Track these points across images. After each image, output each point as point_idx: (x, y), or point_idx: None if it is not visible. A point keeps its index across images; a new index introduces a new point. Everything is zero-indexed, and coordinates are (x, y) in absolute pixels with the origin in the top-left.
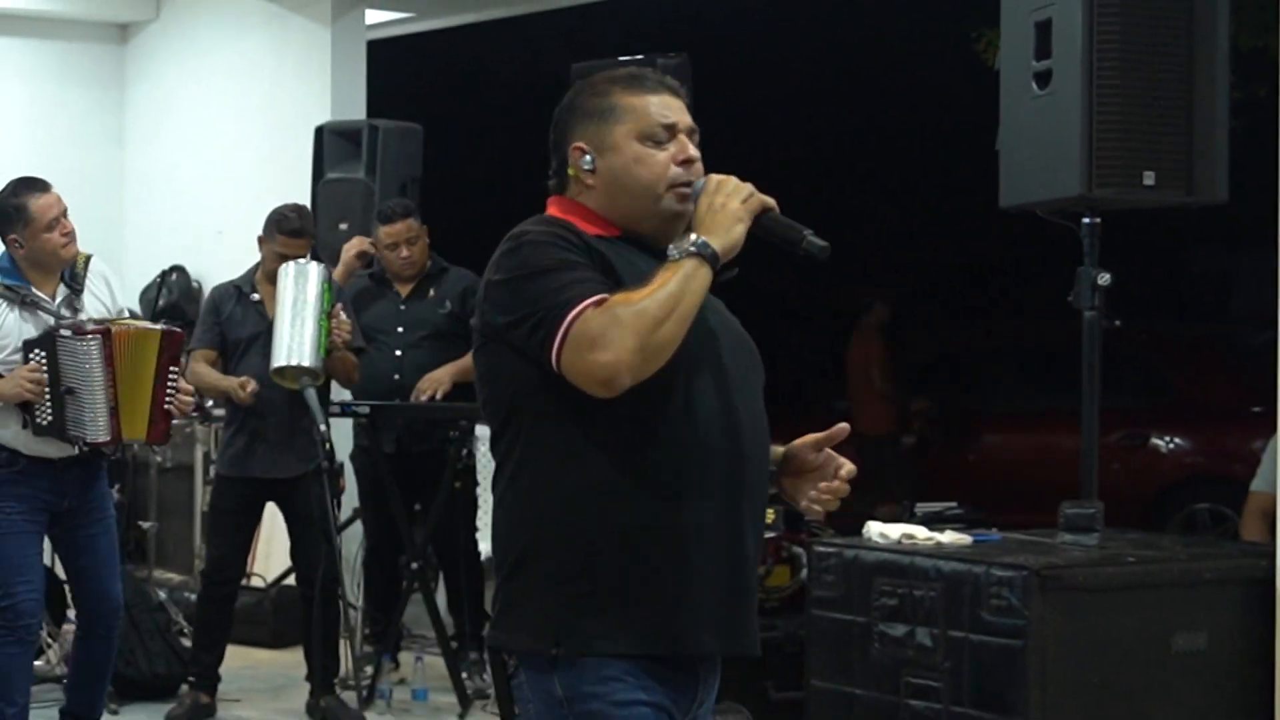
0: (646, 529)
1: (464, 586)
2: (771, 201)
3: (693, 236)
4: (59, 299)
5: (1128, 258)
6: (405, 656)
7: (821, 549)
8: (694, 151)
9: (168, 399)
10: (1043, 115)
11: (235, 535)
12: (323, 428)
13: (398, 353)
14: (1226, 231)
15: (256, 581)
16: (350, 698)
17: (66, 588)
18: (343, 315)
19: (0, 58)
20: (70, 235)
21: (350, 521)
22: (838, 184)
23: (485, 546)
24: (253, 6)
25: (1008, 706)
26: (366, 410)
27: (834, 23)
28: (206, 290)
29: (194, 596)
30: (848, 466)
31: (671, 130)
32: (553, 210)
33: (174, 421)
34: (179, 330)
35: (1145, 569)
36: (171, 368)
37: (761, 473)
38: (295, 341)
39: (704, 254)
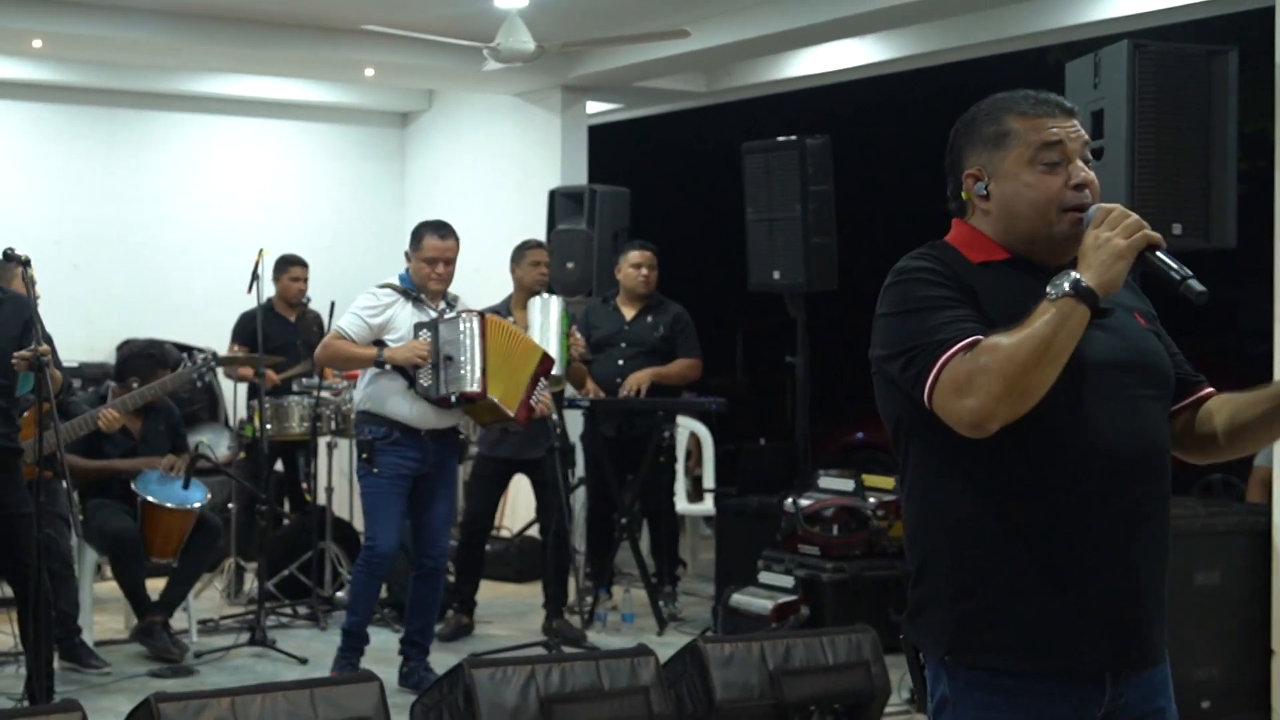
0: (1025, 550)
1: (663, 536)
2: (1157, 238)
3: (1072, 275)
4: (440, 308)
5: (1159, 288)
6: (616, 590)
7: None
8: (1085, 175)
9: (534, 399)
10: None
11: (487, 498)
12: (555, 417)
13: (620, 362)
14: (1234, 269)
15: (505, 533)
16: (575, 620)
17: (360, 536)
18: (578, 335)
19: (312, 139)
20: (439, 278)
21: (575, 487)
22: (937, 233)
23: (681, 506)
24: (502, 100)
25: None
26: (587, 404)
27: (940, 108)
28: None
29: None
30: None
31: (1064, 153)
32: (950, 234)
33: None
34: (552, 359)
35: (1173, 523)
36: (542, 379)
37: (1153, 488)
38: None
39: (1080, 293)
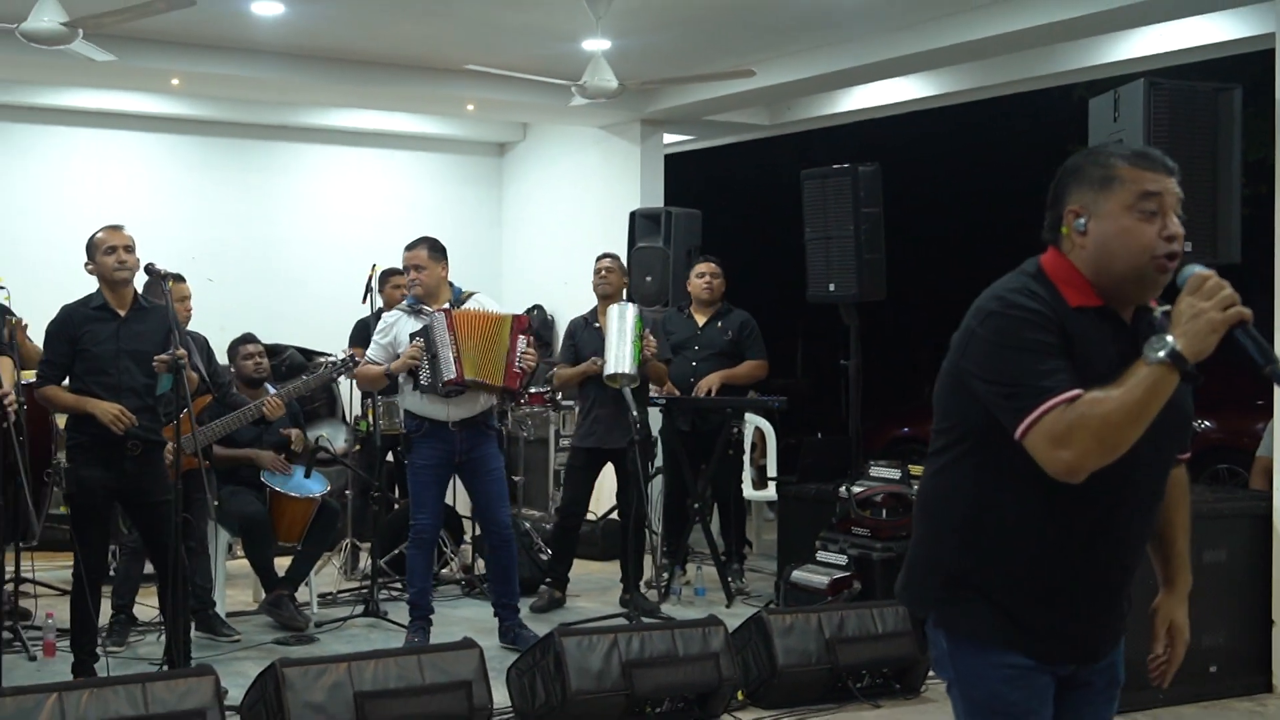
0: (1032, 557)
1: (731, 519)
2: (1248, 313)
3: (1169, 340)
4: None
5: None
6: (690, 567)
7: None
8: (1176, 229)
9: (519, 361)
10: None
11: (581, 485)
12: (634, 413)
13: (694, 363)
14: (1238, 283)
15: (590, 516)
16: (652, 594)
17: (464, 521)
18: (651, 337)
19: (419, 167)
20: (411, 283)
21: (654, 476)
22: (975, 250)
23: (747, 493)
24: (587, 132)
25: None
26: (664, 401)
27: (978, 139)
28: (558, 321)
29: (549, 526)
30: (1178, 646)
31: (1161, 205)
32: (1046, 260)
33: (527, 383)
34: (524, 315)
35: None
36: (521, 338)
37: (1150, 528)
38: (619, 356)
39: (1177, 363)
